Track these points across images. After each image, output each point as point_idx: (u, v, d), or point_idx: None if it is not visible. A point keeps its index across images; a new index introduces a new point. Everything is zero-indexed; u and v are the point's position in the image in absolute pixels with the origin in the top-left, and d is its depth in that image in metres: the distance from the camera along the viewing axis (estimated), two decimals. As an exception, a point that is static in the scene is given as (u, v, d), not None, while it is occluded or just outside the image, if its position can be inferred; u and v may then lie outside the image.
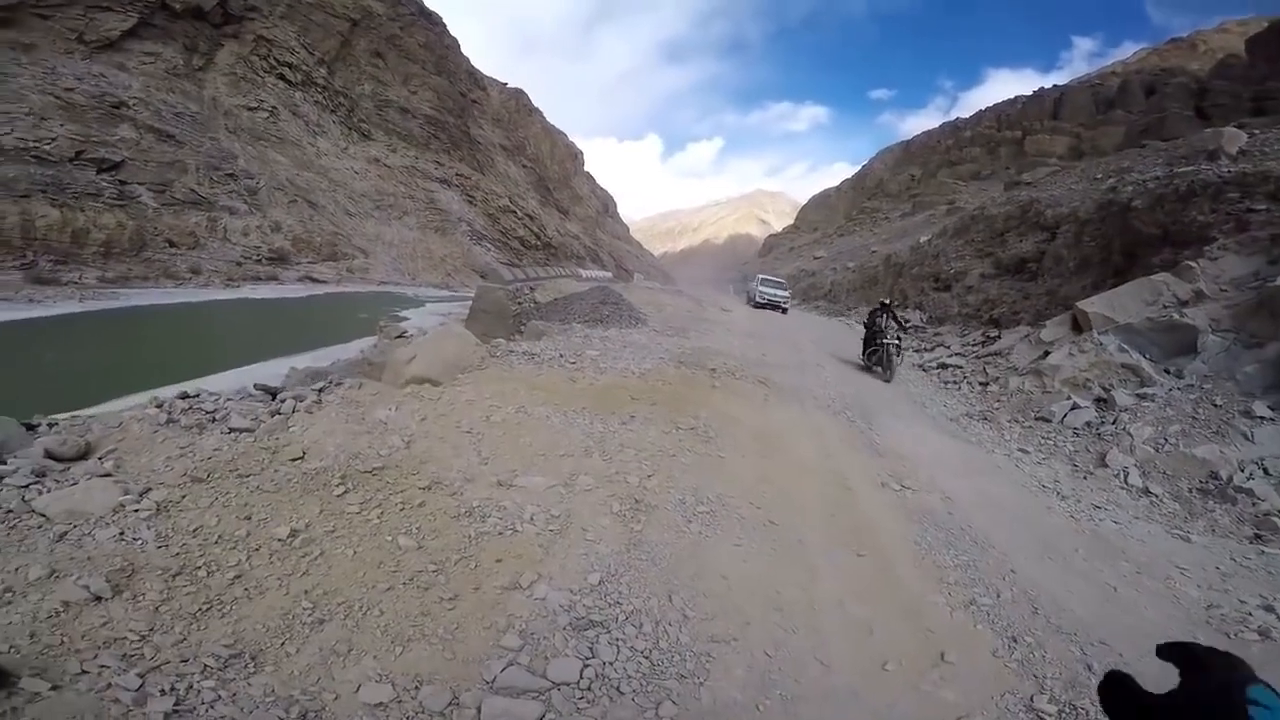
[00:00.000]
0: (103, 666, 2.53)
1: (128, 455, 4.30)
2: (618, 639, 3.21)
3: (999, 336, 13.46)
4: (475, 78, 71.62)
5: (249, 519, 3.73)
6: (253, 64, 41.34)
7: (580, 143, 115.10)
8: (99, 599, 2.90)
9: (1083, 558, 4.91)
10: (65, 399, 8.95)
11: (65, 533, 3.34)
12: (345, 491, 4.19)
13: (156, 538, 3.42)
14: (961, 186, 63.93)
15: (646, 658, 3.12)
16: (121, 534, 3.39)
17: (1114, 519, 5.83)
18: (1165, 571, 4.83)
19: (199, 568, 3.26)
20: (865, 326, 13.23)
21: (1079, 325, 10.22)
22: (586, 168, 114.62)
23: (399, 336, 15.15)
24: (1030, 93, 77.26)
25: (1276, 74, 35.63)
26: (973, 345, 14.02)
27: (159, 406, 5.25)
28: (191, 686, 2.56)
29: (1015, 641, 3.66)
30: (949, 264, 20.48)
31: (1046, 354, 10.17)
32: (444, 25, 62.50)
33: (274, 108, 41.96)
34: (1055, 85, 78.12)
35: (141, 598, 2.99)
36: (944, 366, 12.69)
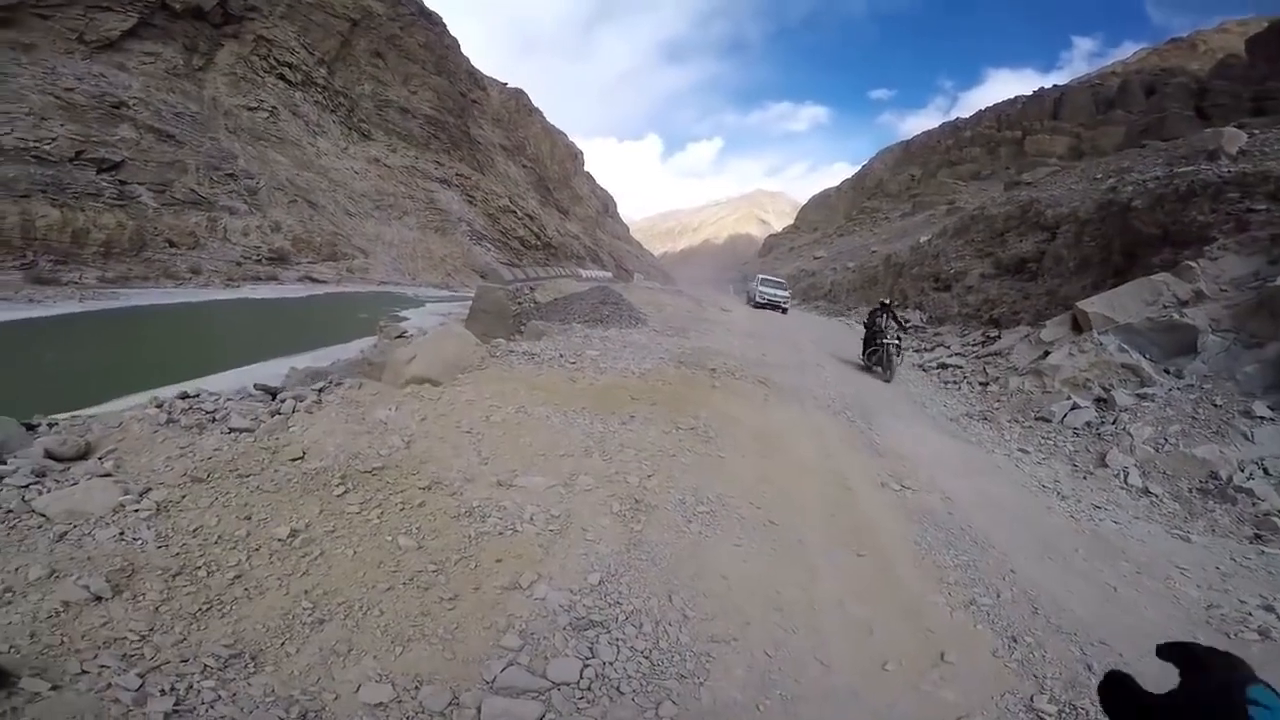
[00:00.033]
0: (103, 666, 2.53)
1: (128, 455, 4.30)
2: (618, 639, 3.21)
3: (999, 336, 13.47)
4: (475, 78, 71.62)
5: (249, 519, 3.73)
6: (253, 64, 41.34)
7: (580, 143, 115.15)
8: (99, 599, 2.90)
9: (1083, 558, 4.91)
10: (65, 399, 8.96)
11: (65, 533, 3.34)
12: (345, 491, 4.19)
13: (156, 538, 3.42)
14: (961, 186, 63.94)
15: (646, 658, 3.12)
16: (121, 534, 3.39)
17: (1114, 519, 5.83)
18: (1165, 571, 4.83)
19: (199, 568, 3.26)
20: (865, 326, 13.19)
21: (1079, 325, 10.22)
22: (586, 168, 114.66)
23: (399, 336, 15.16)
24: (1030, 93, 77.27)
25: (1276, 74, 35.64)
26: (973, 345, 14.03)
27: (159, 406, 5.25)
28: (191, 686, 2.56)
29: (1015, 641, 3.66)
30: (949, 264, 20.48)
31: (1046, 354, 10.17)
32: (444, 25, 62.51)
33: (274, 108, 41.96)
34: (1055, 85, 78.16)
35: (141, 598, 2.99)
36: (944, 366, 12.69)
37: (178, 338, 19.61)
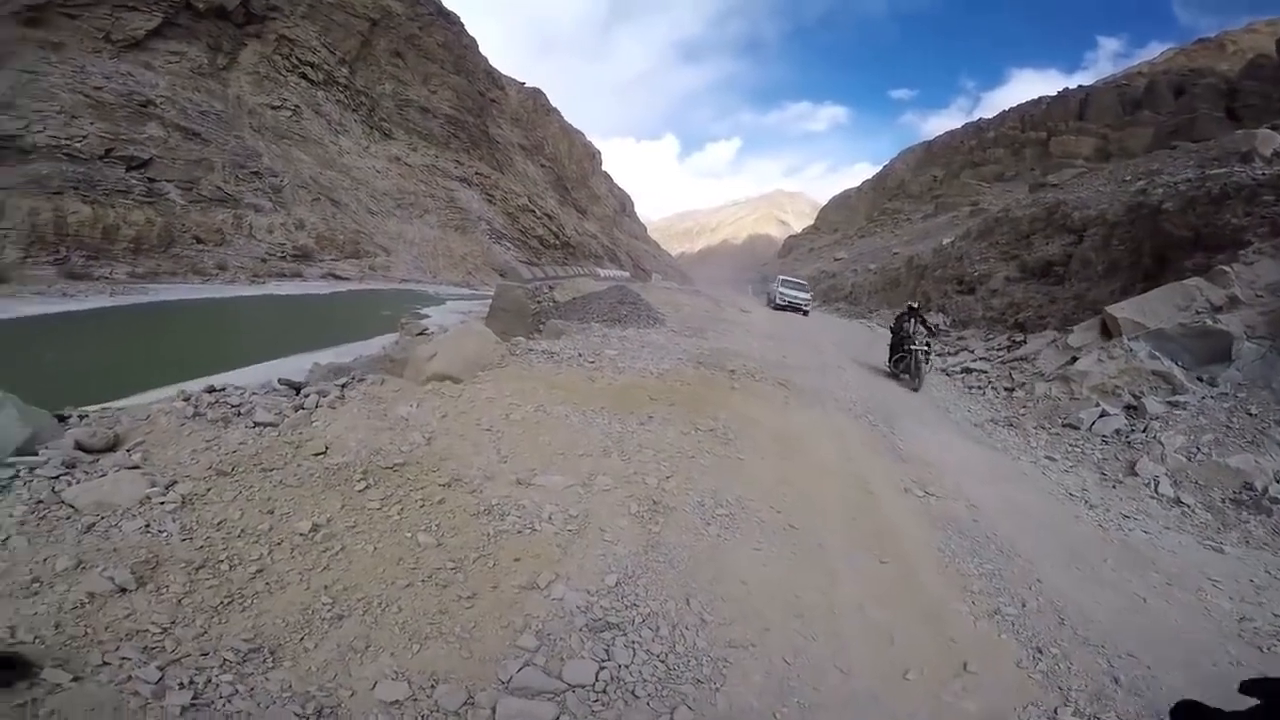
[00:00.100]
0: (124, 658, 2.56)
1: (155, 448, 4.36)
2: (634, 642, 3.19)
3: (1024, 341, 13.23)
4: (493, 77, 71.92)
5: (271, 513, 3.76)
6: (275, 63, 41.87)
7: (598, 142, 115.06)
8: (123, 591, 2.93)
9: (1111, 568, 4.80)
10: (96, 391, 9.12)
11: (93, 524, 3.40)
12: (366, 487, 4.21)
13: (181, 530, 3.46)
14: (985, 188, 63.04)
15: (662, 661, 3.09)
16: (147, 526, 3.44)
17: (1144, 529, 5.69)
18: (1196, 583, 4.72)
19: (221, 561, 3.30)
20: (891, 332, 12.67)
21: (1108, 330, 10.00)
22: (604, 167, 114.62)
23: (420, 334, 15.25)
24: (1055, 93, 75.71)
25: (1312, 74, 34.73)
26: (997, 350, 13.80)
27: (186, 400, 5.31)
28: (210, 680, 2.58)
29: (1040, 652, 3.59)
30: (973, 266, 20.18)
31: (1074, 360, 9.97)
32: (462, 25, 62.83)
33: (297, 106, 42.49)
34: (1080, 86, 76.48)
35: (165, 590, 3.02)
36: (968, 371, 12.48)
37: (205, 332, 19.94)
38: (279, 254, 33.30)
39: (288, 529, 3.63)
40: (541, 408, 6.15)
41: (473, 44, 65.31)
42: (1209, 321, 8.62)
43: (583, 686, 2.86)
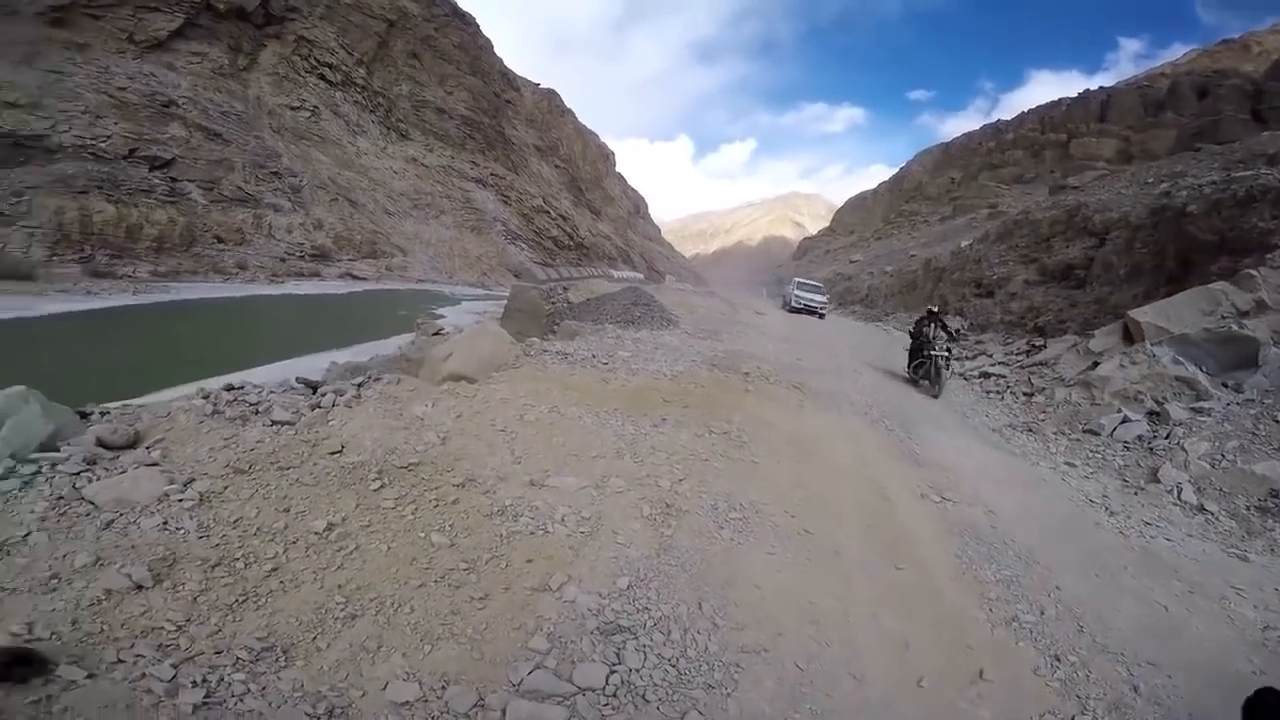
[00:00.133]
0: (138, 656, 2.59)
1: (174, 445, 4.41)
2: (645, 645, 3.17)
3: (1044, 345, 13.04)
4: (509, 78, 72.28)
5: (287, 511, 3.78)
6: (294, 64, 42.39)
7: (612, 143, 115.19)
8: (140, 588, 2.96)
9: (1132, 575, 4.71)
10: (118, 387, 9.26)
11: (112, 521, 3.43)
12: (381, 486, 4.23)
13: (198, 528, 3.50)
14: (1004, 190, 62.30)
15: (673, 666, 3.07)
16: (165, 523, 3.47)
17: (1166, 536, 5.59)
18: (1220, 591, 4.62)
19: (237, 559, 3.32)
20: (911, 336, 12.26)
21: (1130, 335, 9.83)
22: (618, 168, 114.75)
23: (436, 334, 15.35)
24: (1075, 94, 74.51)
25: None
26: (1016, 354, 13.61)
27: (205, 397, 5.35)
28: (222, 679, 2.59)
29: (1058, 660, 3.54)
30: (991, 269, 19.94)
31: (1095, 364, 9.80)
32: (477, 26, 63.20)
33: (315, 107, 42.98)
34: (1101, 87, 75.30)
35: (181, 587, 3.05)
36: (986, 375, 12.31)
37: (224, 331, 20.22)
38: (298, 253, 33.70)
39: (303, 527, 3.65)
40: (555, 409, 6.15)
41: (488, 45, 65.70)
42: (1234, 326, 8.45)
43: (593, 690, 2.85)
